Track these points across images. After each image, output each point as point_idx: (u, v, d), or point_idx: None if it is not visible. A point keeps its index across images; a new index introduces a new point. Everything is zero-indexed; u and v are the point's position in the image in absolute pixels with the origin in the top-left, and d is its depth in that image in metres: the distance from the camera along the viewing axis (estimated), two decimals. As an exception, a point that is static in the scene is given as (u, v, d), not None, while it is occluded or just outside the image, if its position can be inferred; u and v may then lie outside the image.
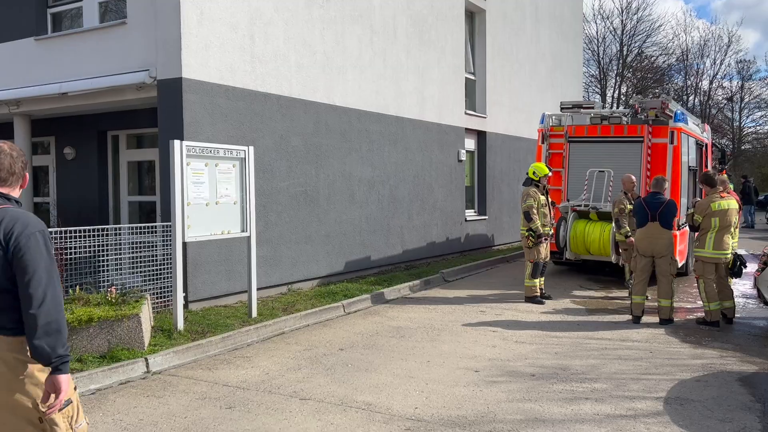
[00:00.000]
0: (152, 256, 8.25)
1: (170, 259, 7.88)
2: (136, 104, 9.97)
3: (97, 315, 6.54)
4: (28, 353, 2.77)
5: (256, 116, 9.69)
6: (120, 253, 8.21)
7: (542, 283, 10.15)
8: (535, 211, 9.76)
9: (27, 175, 3.04)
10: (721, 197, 8.37)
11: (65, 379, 2.78)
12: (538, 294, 9.98)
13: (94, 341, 6.52)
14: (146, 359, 6.48)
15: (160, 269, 8.28)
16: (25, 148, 11.13)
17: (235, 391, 5.86)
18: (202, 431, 4.96)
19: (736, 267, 8.51)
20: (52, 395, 2.78)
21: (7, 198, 2.93)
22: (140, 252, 8.21)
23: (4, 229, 2.76)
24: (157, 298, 8.23)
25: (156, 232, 8.37)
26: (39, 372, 2.83)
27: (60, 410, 2.85)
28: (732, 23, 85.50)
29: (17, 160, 2.97)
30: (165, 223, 8.34)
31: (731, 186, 10.25)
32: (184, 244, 7.83)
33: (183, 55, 8.58)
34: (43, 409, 2.79)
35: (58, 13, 10.95)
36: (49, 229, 7.40)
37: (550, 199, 10.34)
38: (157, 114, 8.95)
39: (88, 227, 7.77)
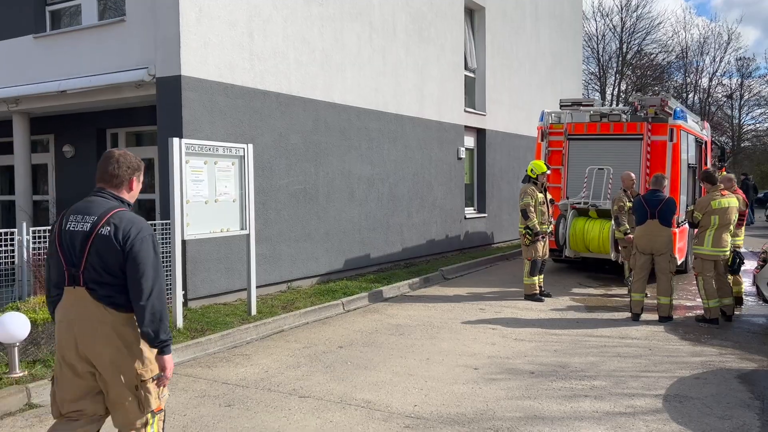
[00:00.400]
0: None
1: (169, 257, 7.87)
2: (135, 102, 9.97)
3: (96, 313, 6.53)
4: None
5: (255, 114, 9.68)
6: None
7: (541, 280, 10.15)
8: (532, 209, 9.76)
9: (134, 180, 3.52)
10: (722, 195, 8.37)
11: (169, 359, 3.40)
12: (537, 292, 9.98)
13: (93, 339, 6.50)
14: (145, 357, 6.47)
15: (160, 267, 8.26)
16: (23, 146, 11.14)
17: (234, 389, 5.86)
18: (201, 429, 4.96)
19: (735, 264, 8.52)
20: (161, 371, 3.42)
21: (121, 200, 3.45)
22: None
23: (123, 231, 3.28)
24: (156, 296, 8.21)
25: (155, 229, 8.37)
26: (145, 347, 3.38)
27: (153, 380, 3.40)
28: (732, 21, 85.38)
29: (122, 166, 3.45)
30: (164, 221, 8.34)
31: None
32: (184, 242, 7.82)
33: (182, 52, 8.56)
34: (146, 378, 3.37)
35: (57, 11, 10.93)
36: (48, 228, 7.42)
37: (549, 197, 10.33)
38: (156, 112, 8.94)
39: (87, 225, 7.76)
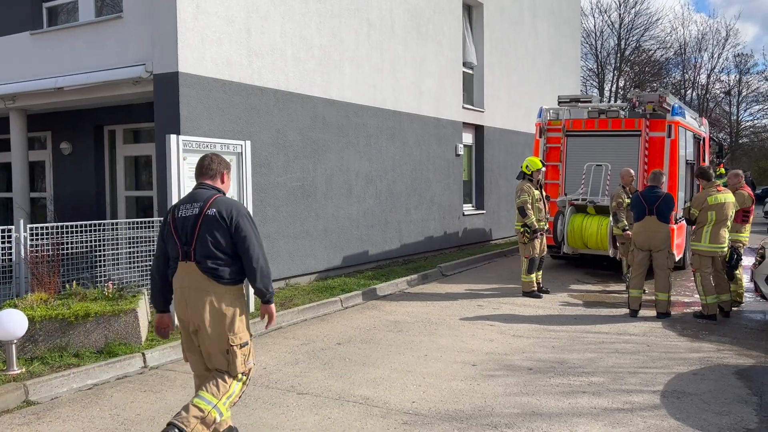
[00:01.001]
0: (149, 251, 8.23)
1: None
2: (132, 99, 9.94)
3: (94, 310, 6.53)
4: (237, 296, 4.19)
5: (253, 110, 9.66)
6: (117, 248, 8.20)
7: (540, 277, 10.15)
8: (529, 206, 9.73)
9: (225, 173, 4.38)
10: (718, 191, 8.37)
11: (273, 308, 4.28)
12: (535, 288, 9.98)
13: (90, 336, 6.51)
14: (143, 354, 6.48)
15: (158, 264, 8.25)
16: (21, 143, 11.11)
17: (232, 386, 5.85)
18: (199, 426, 4.95)
19: (732, 260, 8.52)
20: (266, 317, 4.29)
21: (217, 190, 4.30)
22: (137, 247, 8.20)
23: (226, 212, 4.10)
24: (154, 293, 8.21)
25: (153, 226, 8.36)
26: (237, 318, 4.13)
27: (241, 348, 4.11)
28: (730, 17, 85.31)
29: (214, 161, 4.36)
30: (162, 218, 8.31)
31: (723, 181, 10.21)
32: (181, 238, 7.80)
33: (179, 49, 8.54)
34: (234, 344, 4.09)
35: (54, 8, 10.90)
36: (45, 225, 7.42)
37: (544, 194, 10.33)
38: (154, 108, 8.92)
39: (85, 222, 7.76)
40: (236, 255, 4.11)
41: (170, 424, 3.93)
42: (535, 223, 9.73)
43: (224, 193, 4.32)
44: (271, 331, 7.86)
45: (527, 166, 10.01)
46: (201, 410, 3.97)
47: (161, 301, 4.30)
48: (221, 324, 4.06)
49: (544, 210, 10.06)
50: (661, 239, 8.53)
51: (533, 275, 9.95)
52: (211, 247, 4.06)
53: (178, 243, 4.15)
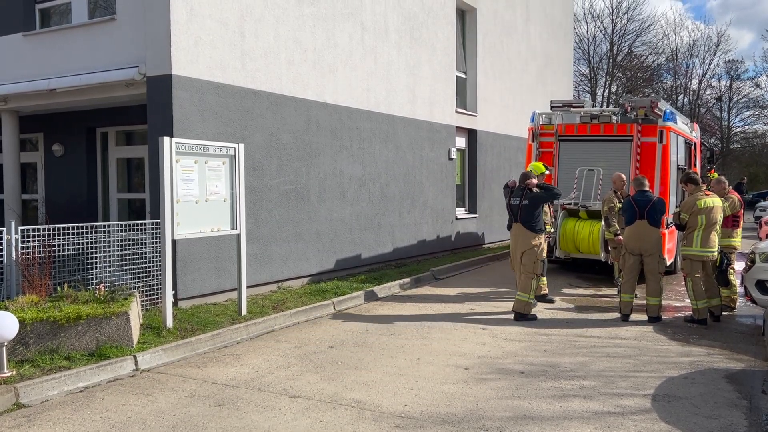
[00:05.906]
0: (141, 253, 8.21)
1: (159, 256, 7.84)
2: (125, 101, 9.92)
3: (85, 312, 6.50)
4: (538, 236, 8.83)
5: (246, 113, 9.65)
6: (109, 251, 8.17)
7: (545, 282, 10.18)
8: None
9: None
10: (706, 195, 8.42)
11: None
12: (547, 291, 10.00)
13: (82, 339, 6.48)
14: (135, 357, 6.46)
15: (150, 267, 8.24)
16: (12, 144, 11.07)
17: (224, 389, 5.84)
18: (191, 429, 4.94)
19: (723, 265, 8.58)
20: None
21: (530, 189, 8.79)
22: (129, 249, 8.17)
23: (533, 200, 8.74)
24: (146, 295, 8.19)
25: (145, 229, 8.33)
26: (539, 247, 8.70)
27: (540, 261, 8.77)
28: (724, 24, 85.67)
29: (529, 176, 8.96)
30: (154, 221, 8.31)
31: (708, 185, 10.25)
32: (174, 241, 7.79)
33: (172, 51, 8.53)
34: (538, 258, 8.75)
35: (47, 9, 10.87)
36: (37, 227, 7.38)
37: None
38: (147, 111, 8.91)
39: (77, 224, 7.73)
40: (536, 219, 8.60)
41: (516, 313, 8.65)
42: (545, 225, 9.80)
43: (531, 190, 8.66)
44: (263, 334, 7.86)
45: (531, 171, 10.06)
46: (524, 300, 8.60)
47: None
48: (533, 249, 8.57)
49: (549, 213, 10.14)
50: (652, 243, 8.58)
51: (545, 278, 9.95)
52: (526, 216, 8.57)
53: (511, 214, 8.84)
